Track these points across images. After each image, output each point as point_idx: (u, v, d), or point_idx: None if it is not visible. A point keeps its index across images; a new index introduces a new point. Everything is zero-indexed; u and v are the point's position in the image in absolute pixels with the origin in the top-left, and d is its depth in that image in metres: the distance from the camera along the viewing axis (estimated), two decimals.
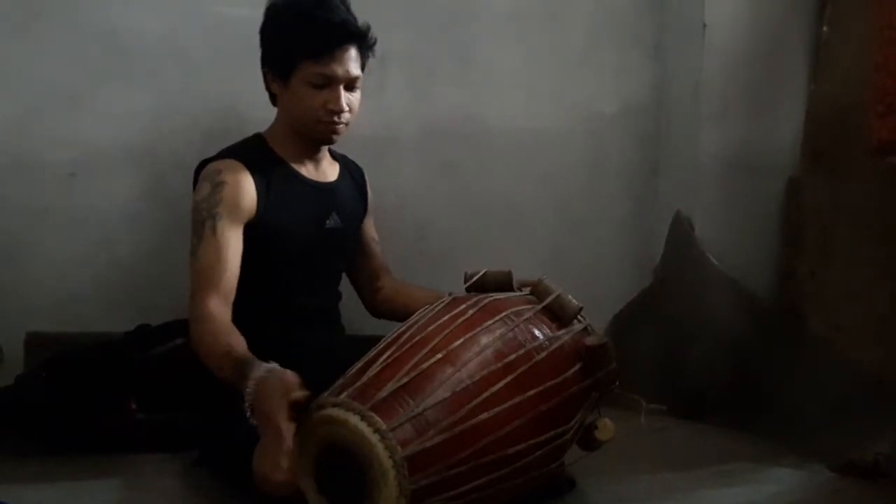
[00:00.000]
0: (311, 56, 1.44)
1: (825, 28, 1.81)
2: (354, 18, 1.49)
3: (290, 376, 1.10)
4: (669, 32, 2.04)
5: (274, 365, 1.15)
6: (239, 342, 1.26)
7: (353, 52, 1.48)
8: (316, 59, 1.44)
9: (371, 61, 1.54)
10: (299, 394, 1.07)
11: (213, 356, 1.28)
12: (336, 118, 1.48)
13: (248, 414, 1.13)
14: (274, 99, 1.54)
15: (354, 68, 1.48)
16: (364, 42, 1.50)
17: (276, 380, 1.10)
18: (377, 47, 1.54)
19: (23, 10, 1.73)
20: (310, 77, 1.46)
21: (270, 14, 1.50)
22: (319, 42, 1.44)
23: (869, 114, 1.50)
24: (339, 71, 1.46)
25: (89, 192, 1.78)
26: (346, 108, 1.48)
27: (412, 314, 1.31)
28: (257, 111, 1.57)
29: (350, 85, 1.49)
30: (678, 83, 2.00)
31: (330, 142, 1.55)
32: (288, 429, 1.05)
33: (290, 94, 1.49)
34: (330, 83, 1.46)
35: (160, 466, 1.47)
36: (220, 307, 1.34)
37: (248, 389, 1.12)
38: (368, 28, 1.51)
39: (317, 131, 1.50)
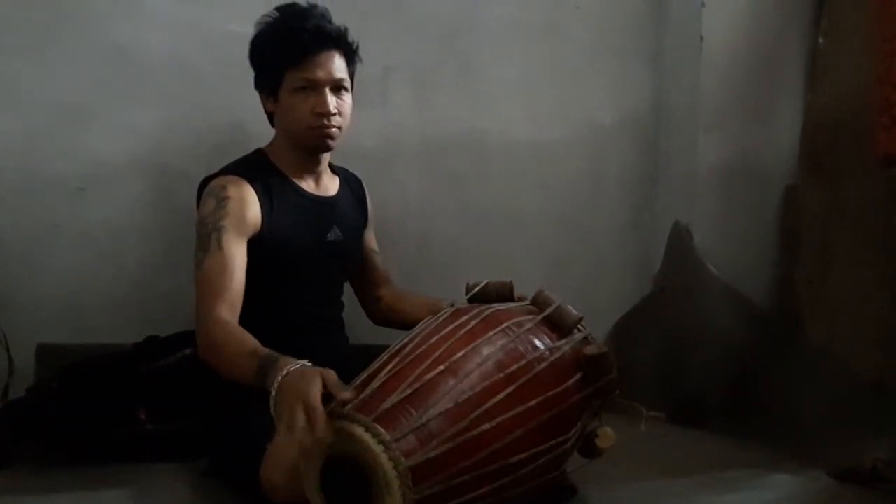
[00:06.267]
0: (292, 63, 1.48)
1: (821, 39, 1.83)
2: (331, 24, 1.52)
3: (330, 372, 1.11)
4: (668, 45, 2.06)
5: (306, 361, 1.16)
6: (257, 343, 1.25)
7: (334, 56, 1.51)
8: (297, 64, 1.48)
9: (374, 73, 1.53)
10: (346, 395, 1.08)
11: (232, 359, 1.26)
12: (326, 121, 1.50)
13: (273, 403, 1.11)
14: (272, 119, 1.58)
15: (337, 71, 1.51)
16: (342, 45, 1.53)
17: (312, 369, 1.11)
18: (380, 60, 1.56)
19: (32, 27, 1.75)
20: (295, 83, 1.49)
21: (253, 40, 1.55)
22: (297, 48, 1.48)
23: (873, 126, 1.50)
24: (322, 73, 1.49)
25: (98, 207, 1.79)
26: (335, 111, 1.50)
27: (412, 322, 1.33)
28: (262, 126, 1.60)
29: (336, 88, 1.51)
30: (676, 94, 2.02)
31: (326, 148, 1.55)
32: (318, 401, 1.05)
33: (282, 107, 1.52)
34: (315, 87, 1.49)
35: (170, 476, 1.48)
36: (229, 315, 1.35)
37: (281, 375, 1.11)
38: (345, 31, 1.54)
39: (310, 138, 1.52)
